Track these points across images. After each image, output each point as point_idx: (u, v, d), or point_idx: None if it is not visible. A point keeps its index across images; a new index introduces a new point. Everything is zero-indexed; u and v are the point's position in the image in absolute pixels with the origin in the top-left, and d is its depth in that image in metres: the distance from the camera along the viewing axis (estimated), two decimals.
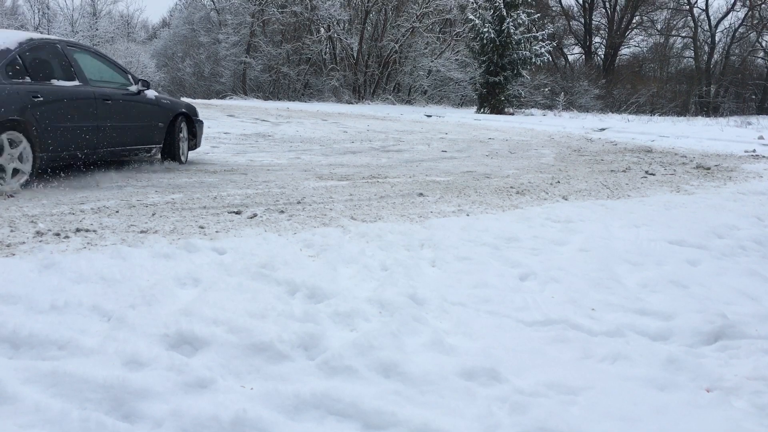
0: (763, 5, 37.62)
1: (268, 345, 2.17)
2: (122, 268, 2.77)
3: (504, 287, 3.02)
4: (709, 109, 36.45)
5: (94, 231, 3.54)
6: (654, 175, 7.81)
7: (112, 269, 2.73)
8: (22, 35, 5.10)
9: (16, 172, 4.55)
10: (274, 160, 7.57)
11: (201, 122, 7.19)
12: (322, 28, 32.98)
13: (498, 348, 2.36)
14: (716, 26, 41.31)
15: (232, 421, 1.74)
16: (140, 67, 35.63)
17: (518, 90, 28.04)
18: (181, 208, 4.35)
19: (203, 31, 35.94)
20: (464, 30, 30.31)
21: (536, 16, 27.76)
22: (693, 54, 41.85)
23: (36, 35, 5.28)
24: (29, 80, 4.73)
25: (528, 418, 1.87)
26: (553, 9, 41.57)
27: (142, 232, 3.58)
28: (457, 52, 32.22)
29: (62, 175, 5.20)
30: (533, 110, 28.64)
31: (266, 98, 30.83)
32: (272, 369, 2.08)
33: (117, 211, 4.09)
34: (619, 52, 42.56)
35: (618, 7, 41.25)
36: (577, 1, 42.53)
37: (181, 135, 6.71)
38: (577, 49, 44.50)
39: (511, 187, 6.18)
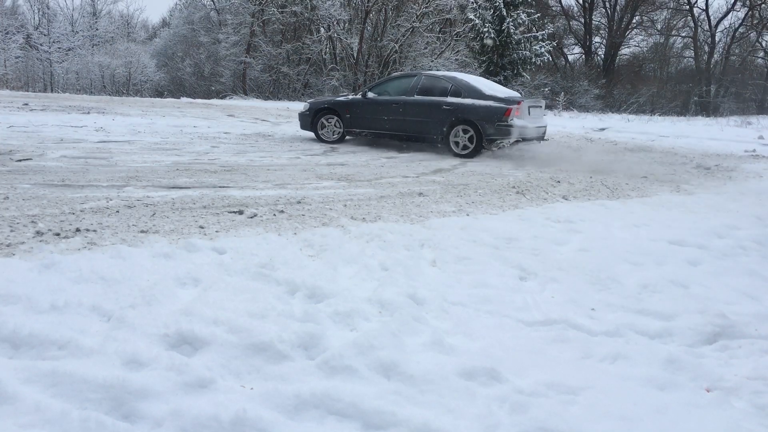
0: (763, 5, 37.60)
1: (268, 345, 2.17)
2: (122, 268, 2.77)
3: (504, 287, 3.02)
4: (709, 109, 36.41)
5: (94, 231, 3.54)
6: (654, 175, 7.81)
7: (112, 269, 2.73)
8: None
9: None
10: (274, 160, 7.57)
11: None
12: (322, 28, 32.94)
13: (498, 348, 2.36)
14: (716, 26, 41.29)
15: (232, 421, 1.74)
16: (140, 67, 35.63)
17: (518, 90, 28.03)
18: (181, 207, 4.35)
19: (203, 31, 35.91)
20: (464, 30, 30.30)
21: (536, 15, 27.73)
22: (693, 54, 41.83)
23: None
24: None
25: (528, 418, 1.87)
26: (553, 9, 41.52)
27: (142, 231, 3.58)
28: (457, 52, 32.20)
29: None
30: None
31: (266, 98, 30.83)
32: (272, 369, 2.08)
33: (117, 211, 4.09)
34: (619, 52, 42.53)
35: (618, 7, 41.22)
36: (577, 1, 42.51)
37: None
38: (577, 49, 44.46)
39: (512, 187, 6.18)
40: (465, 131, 8.70)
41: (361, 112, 9.57)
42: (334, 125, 9.83)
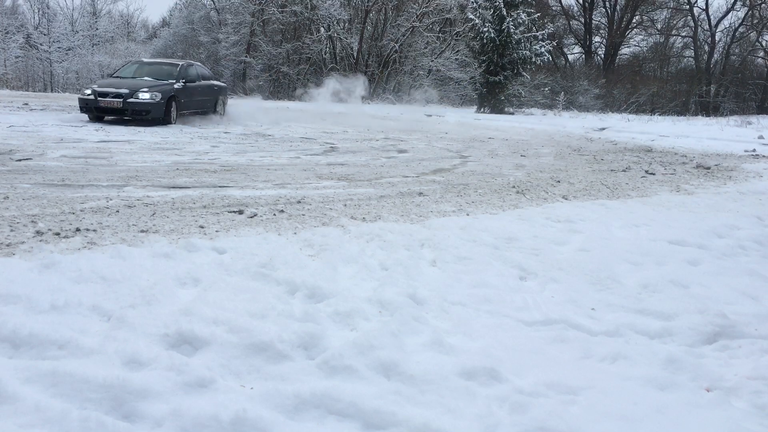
0: (763, 5, 37.60)
1: (268, 345, 2.16)
2: (122, 267, 2.76)
3: (504, 287, 3.01)
4: (709, 108, 36.40)
5: (94, 231, 3.54)
6: (654, 174, 7.81)
7: (112, 269, 2.73)
8: None
9: None
10: (274, 159, 7.57)
11: None
12: (322, 28, 32.92)
13: (498, 348, 2.36)
14: (716, 26, 41.30)
15: (232, 421, 1.74)
16: None
17: (518, 89, 28.02)
18: (181, 207, 4.34)
19: (203, 31, 35.90)
20: (464, 29, 30.28)
21: (536, 15, 27.69)
22: (693, 54, 41.83)
23: None
24: None
25: (528, 418, 1.87)
26: (553, 8, 41.52)
27: (142, 231, 3.58)
28: (457, 51, 32.19)
29: None
30: (533, 110, 28.65)
31: (266, 98, 30.81)
32: (272, 369, 2.08)
33: (117, 211, 4.09)
34: (619, 52, 42.52)
35: (618, 7, 41.22)
36: (577, 1, 42.51)
37: None
38: (577, 49, 44.49)
39: (512, 187, 6.18)
40: (218, 102, 13.76)
41: (186, 96, 12.24)
42: (174, 109, 11.82)
